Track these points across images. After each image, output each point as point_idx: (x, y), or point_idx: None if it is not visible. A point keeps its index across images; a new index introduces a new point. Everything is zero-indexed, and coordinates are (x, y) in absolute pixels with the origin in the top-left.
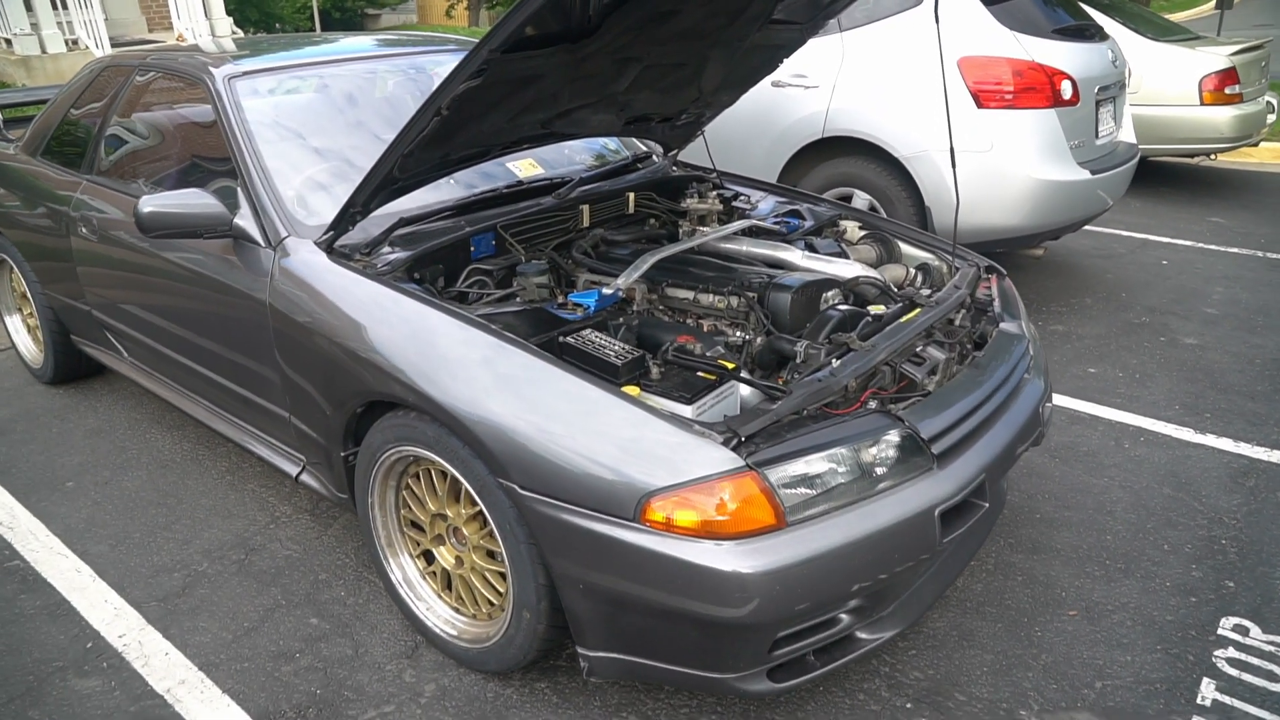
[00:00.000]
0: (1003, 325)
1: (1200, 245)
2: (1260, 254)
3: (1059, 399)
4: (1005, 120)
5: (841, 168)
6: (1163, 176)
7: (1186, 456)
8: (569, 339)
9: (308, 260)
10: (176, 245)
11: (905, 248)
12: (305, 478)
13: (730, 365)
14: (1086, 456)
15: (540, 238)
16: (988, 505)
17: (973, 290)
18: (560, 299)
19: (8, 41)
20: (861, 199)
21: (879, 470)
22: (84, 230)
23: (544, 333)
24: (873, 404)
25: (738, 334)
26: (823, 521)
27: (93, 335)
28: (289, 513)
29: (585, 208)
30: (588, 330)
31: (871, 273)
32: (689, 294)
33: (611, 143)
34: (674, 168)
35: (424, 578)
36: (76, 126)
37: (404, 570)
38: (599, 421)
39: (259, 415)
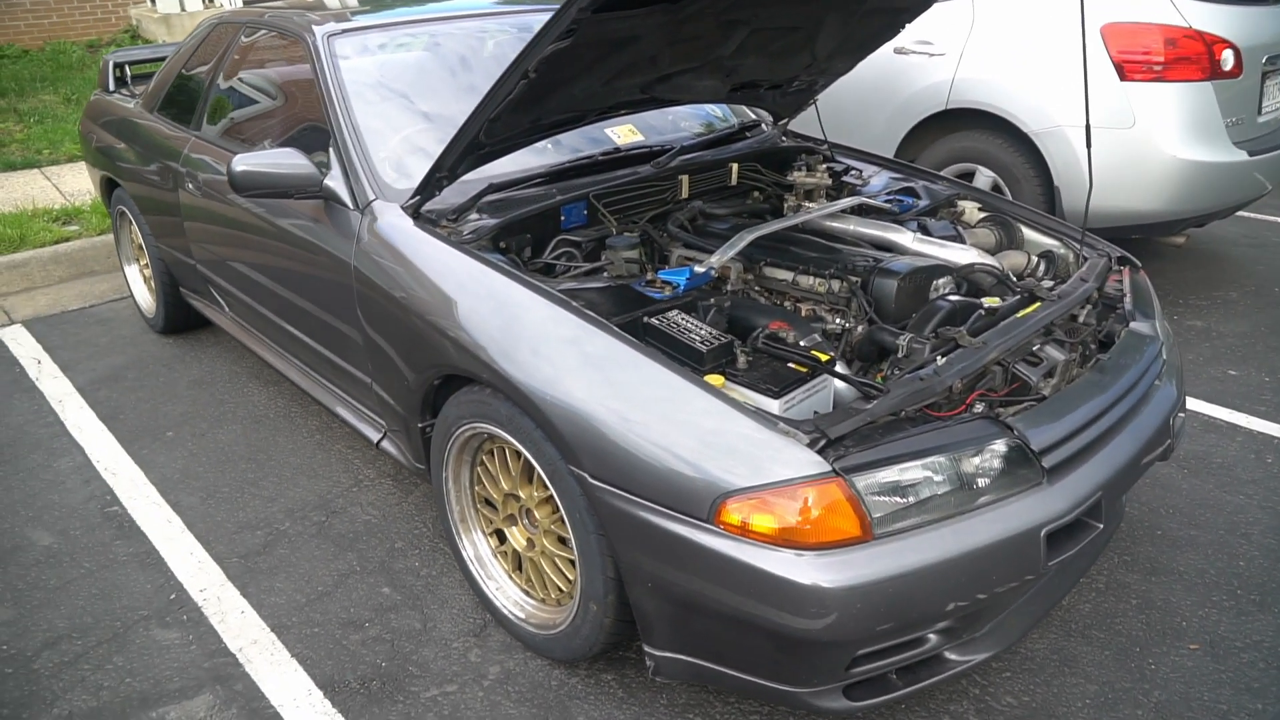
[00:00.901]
0: (1133, 324)
1: None
2: None
3: (1193, 403)
4: (1152, 94)
5: (965, 142)
6: None
7: None
8: (653, 320)
9: (393, 224)
10: (272, 204)
11: (1028, 233)
12: (385, 444)
13: (825, 357)
14: (1221, 470)
15: (636, 208)
16: (1102, 526)
17: (1101, 283)
18: (649, 275)
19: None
20: (985, 177)
21: (981, 482)
22: (190, 186)
23: (628, 312)
24: (979, 407)
25: (837, 321)
26: (914, 536)
27: (198, 288)
28: (372, 477)
29: (685, 178)
30: (674, 311)
31: (988, 260)
32: (788, 275)
33: (718, 110)
34: (783, 138)
35: (496, 556)
36: (189, 83)
37: (476, 547)
38: (677, 412)
39: (344, 379)
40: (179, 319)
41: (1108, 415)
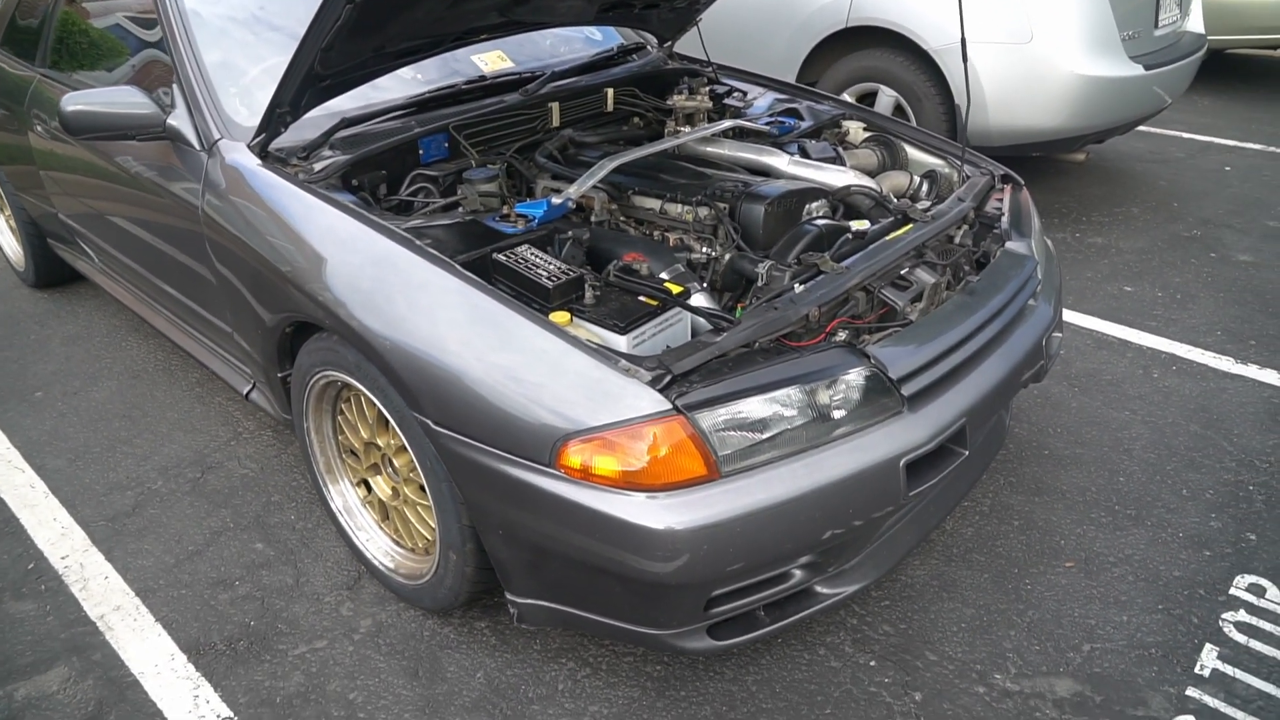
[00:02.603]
0: (1009, 244)
1: (1272, 150)
2: None
3: (1087, 320)
4: (1049, 7)
5: (867, 61)
6: (1235, 71)
7: (1222, 389)
8: (500, 256)
9: (238, 163)
10: (121, 146)
11: (913, 152)
12: (254, 396)
13: (678, 289)
14: (1109, 386)
15: (502, 140)
16: (967, 453)
17: (979, 203)
18: (505, 209)
19: None
20: (887, 97)
21: (837, 413)
22: (40, 129)
23: (477, 248)
24: (840, 336)
25: (704, 250)
26: (764, 472)
27: (64, 239)
28: (252, 429)
29: (555, 106)
30: (524, 246)
31: (866, 181)
32: (655, 204)
33: (599, 33)
34: (667, 61)
35: (364, 506)
36: (30, 14)
37: (344, 497)
38: (515, 352)
39: (209, 329)
40: (52, 272)
41: (975, 339)
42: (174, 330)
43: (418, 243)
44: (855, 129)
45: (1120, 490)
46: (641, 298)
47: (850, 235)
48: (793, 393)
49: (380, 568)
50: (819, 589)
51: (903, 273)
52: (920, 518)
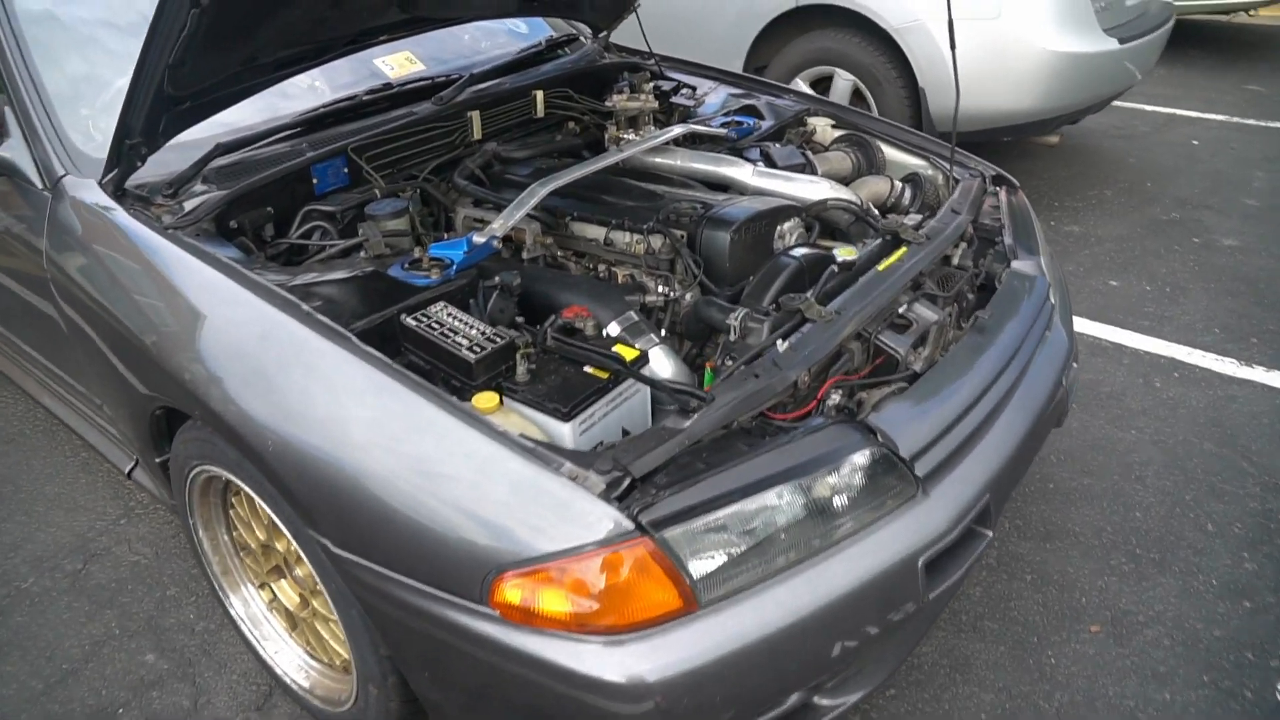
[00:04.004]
0: (1015, 263)
1: (1236, 120)
2: None
3: (1078, 322)
4: None
5: (820, 43)
6: (1192, 38)
7: (1230, 397)
8: (410, 320)
9: (87, 204)
10: None
11: (889, 152)
12: (138, 475)
13: (631, 353)
14: (1110, 400)
15: (416, 160)
16: (992, 534)
17: (976, 212)
18: (417, 253)
19: None
20: (844, 81)
21: (838, 508)
22: None
23: (380, 309)
24: (835, 398)
25: (660, 290)
26: (756, 596)
27: None
28: (145, 503)
29: (475, 114)
30: (439, 305)
31: (844, 193)
32: (599, 232)
33: (524, 26)
34: (604, 54)
35: (270, 612)
36: None
37: (247, 604)
38: (432, 455)
39: (80, 397)
40: None
41: (992, 390)
42: (45, 395)
43: (305, 307)
44: (823, 127)
45: (1139, 529)
46: (587, 368)
47: (835, 268)
48: (785, 491)
49: (293, 686)
50: (819, 701)
51: (901, 310)
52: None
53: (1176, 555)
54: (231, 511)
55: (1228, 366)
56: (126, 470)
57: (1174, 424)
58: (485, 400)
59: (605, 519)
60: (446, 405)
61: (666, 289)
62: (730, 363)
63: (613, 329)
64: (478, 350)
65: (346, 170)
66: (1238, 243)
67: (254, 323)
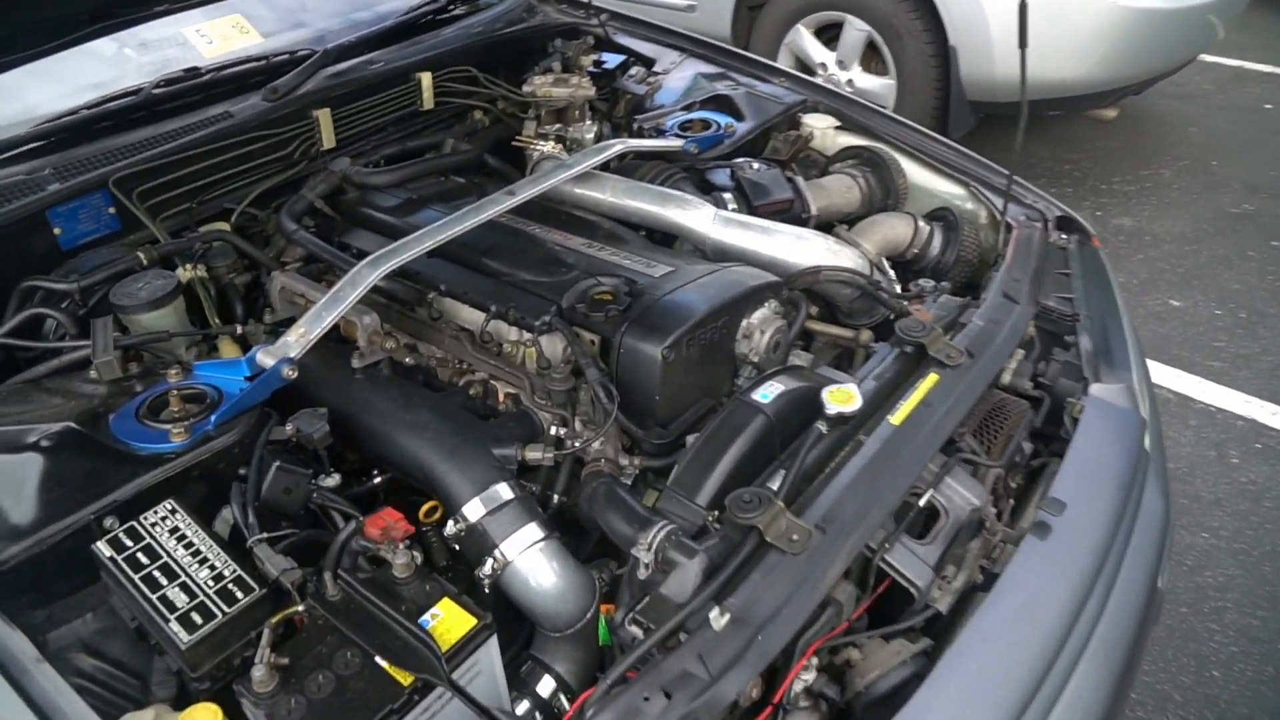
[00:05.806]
0: (1094, 388)
1: None
2: None
3: None
4: None
5: None
6: None
7: None
8: (104, 548)
9: None
10: None
11: (912, 170)
12: None
13: (465, 623)
14: (1178, 482)
15: (231, 186)
16: None
17: (1038, 291)
18: (173, 372)
19: None
20: (856, 32)
21: None
22: None
23: (77, 506)
24: (807, 676)
25: (556, 431)
26: None
27: None
28: None
29: (325, 113)
30: (162, 509)
31: (846, 253)
32: (476, 317)
33: None
34: (533, 9)
35: None
36: None
37: None
38: None
39: None
40: None
41: (1068, 647)
42: None
43: None
44: (823, 129)
45: (1216, 696)
46: (380, 660)
47: (822, 429)
48: None
49: None
50: None
51: (921, 501)
52: None
53: None
54: None
55: None
56: None
57: (1260, 523)
58: (200, 716)
59: None
60: None
61: (560, 429)
62: (634, 625)
63: (471, 510)
64: (201, 617)
65: (114, 211)
66: None
67: None
